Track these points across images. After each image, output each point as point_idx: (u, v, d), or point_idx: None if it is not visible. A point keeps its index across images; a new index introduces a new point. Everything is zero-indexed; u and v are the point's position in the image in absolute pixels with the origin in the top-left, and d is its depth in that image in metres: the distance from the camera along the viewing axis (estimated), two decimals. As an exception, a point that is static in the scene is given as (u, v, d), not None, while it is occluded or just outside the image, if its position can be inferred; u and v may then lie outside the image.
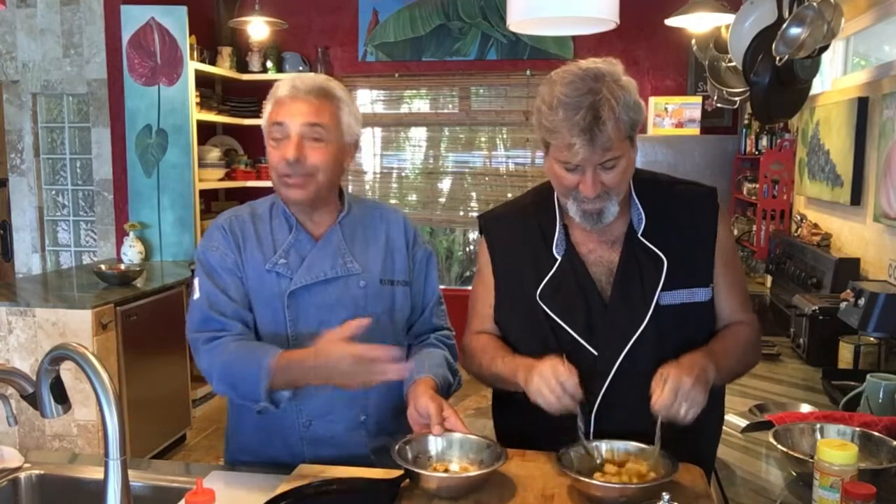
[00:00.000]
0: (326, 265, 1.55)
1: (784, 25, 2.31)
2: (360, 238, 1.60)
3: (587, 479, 1.26)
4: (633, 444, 1.36)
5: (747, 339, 1.53)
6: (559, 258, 1.49)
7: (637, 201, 1.49)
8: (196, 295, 1.56)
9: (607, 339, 1.45)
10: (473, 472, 1.35)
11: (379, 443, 1.61)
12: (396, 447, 1.36)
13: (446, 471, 1.37)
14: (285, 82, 1.53)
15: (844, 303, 2.26)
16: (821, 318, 2.38)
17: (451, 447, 1.42)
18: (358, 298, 1.56)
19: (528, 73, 5.30)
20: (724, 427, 1.68)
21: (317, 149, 1.49)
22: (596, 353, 1.45)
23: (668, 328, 1.45)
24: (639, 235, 1.48)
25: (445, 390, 1.54)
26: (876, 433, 1.52)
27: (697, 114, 4.75)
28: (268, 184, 1.58)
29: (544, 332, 1.48)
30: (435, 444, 1.42)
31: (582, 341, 1.46)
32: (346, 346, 1.35)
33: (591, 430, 1.46)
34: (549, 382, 1.33)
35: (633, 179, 1.48)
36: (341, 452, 1.56)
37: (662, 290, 1.45)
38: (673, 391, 1.29)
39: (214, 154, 5.01)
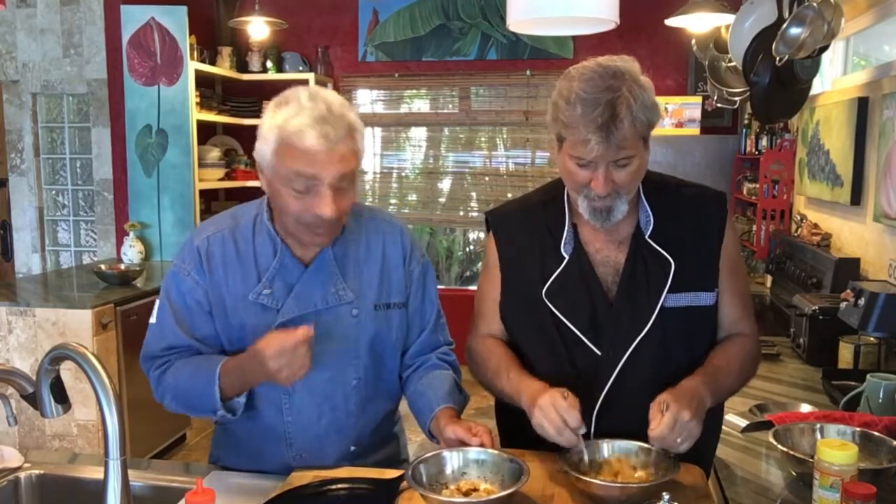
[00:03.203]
0: (317, 295, 1.44)
1: (784, 25, 2.31)
2: (353, 260, 1.49)
3: (588, 479, 1.25)
4: (635, 444, 1.36)
5: (747, 355, 1.51)
6: (567, 257, 1.49)
7: (645, 202, 1.48)
8: (153, 319, 1.49)
9: (611, 339, 1.45)
10: (497, 493, 1.26)
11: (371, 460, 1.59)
12: (410, 469, 1.28)
13: (474, 490, 1.30)
14: (311, 126, 1.30)
15: (844, 303, 2.26)
16: (821, 318, 2.38)
17: (467, 465, 1.34)
18: (350, 328, 1.47)
19: (528, 73, 5.30)
20: (724, 427, 1.68)
21: (346, 195, 1.37)
22: (599, 352, 1.45)
23: (672, 330, 1.45)
24: (646, 237, 1.47)
25: (461, 412, 1.52)
26: (876, 433, 1.52)
27: (697, 114, 4.76)
28: (268, 184, 1.50)
29: (549, 330, 1.48)
30: (451, 463, 1.34)
31: (586, 340, 1.46)
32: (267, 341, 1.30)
33: (593, 429, 1.46)
34: (550, 415, 1.31)
35: (642, 180, 1.47)
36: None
37: (668, 292, 1.44)
38: (671, 423, 1.28)
39: (214, 154, 5.01)
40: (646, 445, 1.34)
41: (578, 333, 1.46)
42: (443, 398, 1.48)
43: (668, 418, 1.28)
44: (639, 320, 1.44)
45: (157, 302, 1.50)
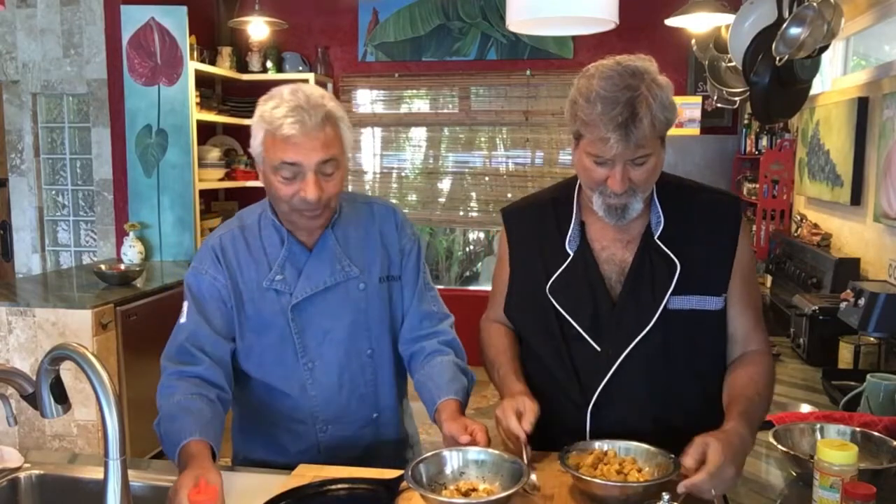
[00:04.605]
0: (325, 273, 1.55)
1: (784, 25, 2.31)
2: (354, 239, 1.59)
3: (588, 478, 1.26)
4: (635, 444, 1.36)
5: (770, 377, 1.47)
6: (571, 253, 1.50)
7: (658, 203, 1.48)
8: (183, 319, 1.56)
9: (612, 338, 1.45)
10: (497, 493, 1.25)
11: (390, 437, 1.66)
12: (410, 469, 1.28)
13: (473, 490, 1.30)
14: (287, 115, 1.40)
15: (844, 303, 2.26)
16: (821, 318, 2.38)
17: (467, 465, 1.34)
18: (359, 301, 1.58)
19: (528, 73, 5.30)
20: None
21: (331, 180, 1.46)
22: (599, 349, 1.46)
23: (674, 332, 1.44)
24: (655, 237, 1.47)
25: (467, 399, 1.55)
26: (876, 433, 1.52)
27: (697, 114, 4.75)
28: (268, 183, 1.55)
29: (552, 325, 1.49)
30: (451, 463, 1.34)
31: (587, 337, 1.46)
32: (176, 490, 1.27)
33: (589, 427, 1.46)
34: (506, 415, 1.38)
35: (658, 181, 1.46)
36: (352, 453, 1.58)
37: (673, 294, 1.44)
38: (711, 478, 1.20)
39: (214, 154, 5.01)
40: (647, 446, 1.34)
41: (580, 329, 1.47)
42: (443, 388, 1.52)
43: (709, 472, 1.20)
44: (641, 319, 1.44)
45: (185, 304, 1.58)
